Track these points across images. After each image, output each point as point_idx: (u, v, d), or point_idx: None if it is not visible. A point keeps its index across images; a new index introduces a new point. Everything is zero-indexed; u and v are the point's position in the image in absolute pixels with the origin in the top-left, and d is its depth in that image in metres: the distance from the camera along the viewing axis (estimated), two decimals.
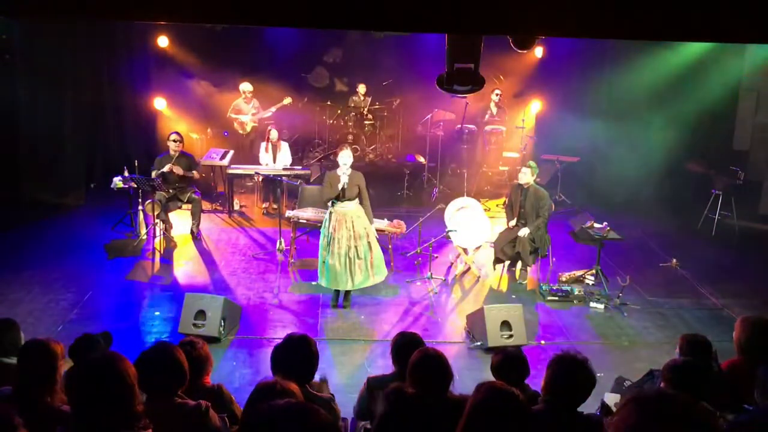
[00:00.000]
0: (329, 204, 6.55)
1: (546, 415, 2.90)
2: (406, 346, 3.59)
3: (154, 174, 8.18)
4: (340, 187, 6.36)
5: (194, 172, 8.39)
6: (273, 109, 10.31)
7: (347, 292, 6.78)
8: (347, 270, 6.50)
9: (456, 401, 3.02)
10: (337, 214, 6.49)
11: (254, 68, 10.96)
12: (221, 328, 5.96)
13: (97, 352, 3.57)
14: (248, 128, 10.35)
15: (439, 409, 2.98)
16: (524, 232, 7.32)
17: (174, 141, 8.24)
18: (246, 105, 10.30)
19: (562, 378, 2.92)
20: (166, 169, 8.14)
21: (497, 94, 10.87)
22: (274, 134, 9.43)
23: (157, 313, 6.54)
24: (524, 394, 3.36)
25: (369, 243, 6.59)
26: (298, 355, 3.29)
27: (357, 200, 6.56)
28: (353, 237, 6.48)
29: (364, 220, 6.62)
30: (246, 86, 10.25)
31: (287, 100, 10.24)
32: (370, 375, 3.87)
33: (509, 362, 3.59)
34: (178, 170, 8.17)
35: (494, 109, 10.93)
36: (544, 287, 7.25)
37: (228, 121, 10.51)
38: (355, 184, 6.45)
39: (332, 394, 3.62)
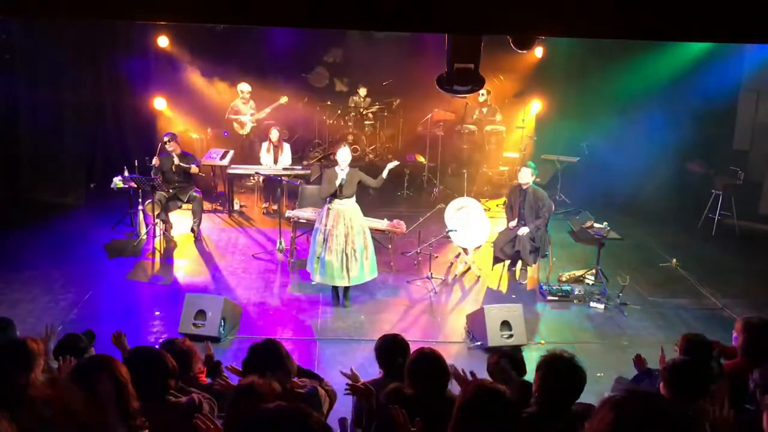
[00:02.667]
0: (327, 201, 6.58)
1: (540, 416, 2.89)
2: (389, 348, 3.62)
3: (155, 161, 8.16)
4: (337, 183, 6.38)
5: (192, 165, 8.36)
6: (267, 109, 10.30)
7: (346, 291, 6.79)
8: (344, 266, 6.52)
9: (454, 400, 3.02)
10: (335, 211, 6.53)
11: (254, 68, 10.96)
12: (221, 328, 5.97)
13: (82, 350, 3.59)
14: (247, 129, 10.35)
15: (438, 408, 2.99)
16: (524, 231, 7.32)
17: (167, 142, 8.19)
18: (244, 105, 10.30)
19: (552, 378, 2.92)
20: (174, 163, 8.15)
21: (482, 94, 10.82)
22: (274, 135, 9.43)
23: (157, 313, 6.54)
24: (525, 392, 3.37)
25: (365, 240, 6.62)
26: (268, 361, 3.28)
27: (354, 198, 6.58)
28: (351, 234, 6.51)
29: (361, 217, 6.69)
30: (244, 86, 10.25)
31: (283, 99, 10.23)
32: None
33: (507, 361, 3.59)
34: (178, 162, 8.19)
35: (484, 110, 10.89)
36: (544, 287, 7.25)
37: (228, 121, 10.50)
38: (353, 181, 6.48)
39: (318, 380, 3.61)
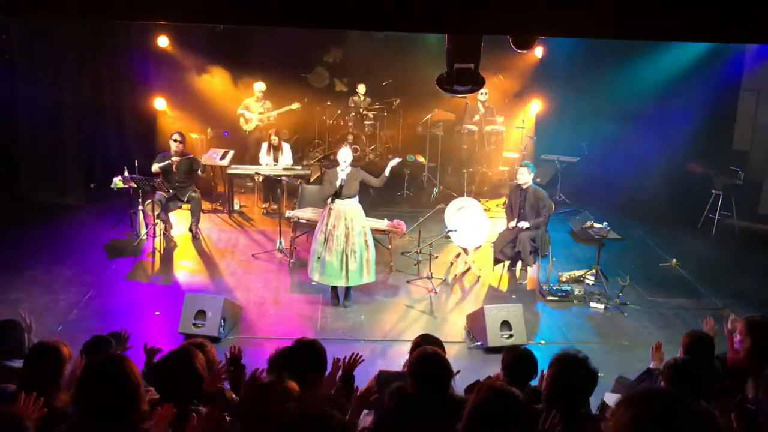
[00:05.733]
0: (328, 201, 6.58)
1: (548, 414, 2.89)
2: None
3: (154, 167, 8.18)
4: (337, 184, 6.39)
5: (199, 171, 8.44)
6: (274, 112, 10.30)
7: (347, 291, 6.79)
8: (343, 266, 6.53)
9: (457, 400, 3.03)
10: (336, 211, 6.53)
11: (254, 68, 10.95)
12: (221, 328, 5.97)
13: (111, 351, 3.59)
14: (252, 125, 10.37)
15: (440, 408, 2.99)
16: (523, 224, 7.33)
17: (175, 141, 8.25)
18: (256, 104, 10.33)
19: (563, 378, 2.92)
20: (172, 160, 8.17)
21: (483, 94, 10.81)
22: (275, 140, 9.42)
23: (157, 313, 6.54)
24: (527, 394, 3.37)
25: (365, 241, 6.63)
26: (306, 360, 3.27)
27: (356, 198, 6.59)
28: (351, 234, 6.51)
29: (363, 218, 6.68)
30: (260, 86, 10.30)
31: (295, 105, 10.29)
32: (382, 369, 3.87)
33: (520, 361, 3.59)
34: (176, 160, 8.21)
35: (482, 109, 10.88)
36: (544, 287, 7.25)
37: (228, 120, 10.52)
38: (354, 181, 6.49)
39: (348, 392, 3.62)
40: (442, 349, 3.60)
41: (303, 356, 3.30)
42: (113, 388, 2.40)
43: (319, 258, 6.57)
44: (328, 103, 11.72)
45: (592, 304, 7.02)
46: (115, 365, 2.48)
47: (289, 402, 2.54)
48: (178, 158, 8.20)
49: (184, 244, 8.30)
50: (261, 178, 9.63)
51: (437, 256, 7.92)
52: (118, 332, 4.01)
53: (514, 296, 7.22)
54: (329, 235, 6.52)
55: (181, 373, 2.89)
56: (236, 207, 9.67)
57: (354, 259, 6.55)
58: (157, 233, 8.02)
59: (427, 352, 3.22)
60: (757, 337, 3.76)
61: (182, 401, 2.87)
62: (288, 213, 7.99)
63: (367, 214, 7.11)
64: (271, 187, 9.56)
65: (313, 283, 6.94)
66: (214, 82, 10.93)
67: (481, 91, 10.72)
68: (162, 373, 2.87)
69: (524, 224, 7.34)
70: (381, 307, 6.85)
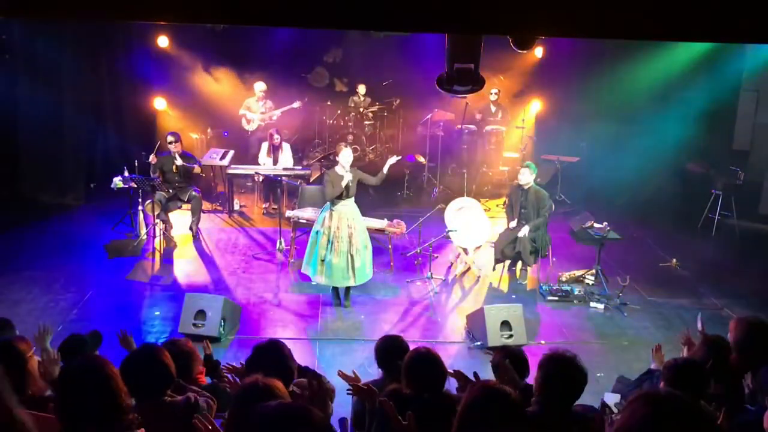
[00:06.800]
0: (329, 202, 6.57)
1: (541, 415, 2.89)
2: (389, 349, 3.61)
3: (152, 158, 8.21)
4: (343, 185, 6.38)
5: (195, 165, 8.43)
6: (278, 112, 10.32)
7: (347, 291, 6.79)
8: (349, 267, 6.53)
9: (454, 400, 3.03)
10: (338, 213, 6.52)
11: (254, 68, 10.96)
12: (221, 328, 5.97)
13: (86, 352, 3.60)
14: (254, 126, 10.39)
15: (436, 408, 2.99)
16: (524, 230, 7.32)
17: (171, 143, 8.25)
18: (257, 104, 10.34)
19: (554, 377, 2.91)
20: (150, 159, 8.20)
21: (495, 93, 10.85)
22: (276, 137, 9.43)
23: (157, 313, 6.54)
24: (525, 393, 3.37)
25: (366, 239, 6.68)
26: (271, 362, 3.26)
27: (353, 198, 6.60)
28: (354, 234, 6.53)
29: (361, 216, 6.73)
30: (260, 86, 10.31)
31: (296, 104, 10.29)
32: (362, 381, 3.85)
33: (510, 360, 3.59)
34: (181, 163, 8.23)
35: (492, 108, 10.91)
36: (544, 287, 7.25)
37: (228, 120, 10.51)
38: (355, 181, 6.49)
39: (317, 379, 3.62)
40: (407, 347, 3.60)
41: (270, 357, 3.29)
42: (93, 390, 2.41)
43: (323, 261, 6.56)
44: (328, 103, 11.72)
45: (592, 304, 7.01)
46: (89, 368, 2.48)
47: (274, 399, 2.54)
48: (154, 156, 8.22)
49: (184, 244, 8.30)
50: (261, 178, 9.64)
51: (437, 256, 7.92)
52: (98, 331, 4.02)
53: (514, 296, 7.22)
54: (333, 237, 6.51)
55: (146, 369, 2.91)
56: (236, 207, 9.67)
57: (359, 257, 6.57)
58: (157, 233, 8.01)
59: (421, 353, 3.22)
60: (748, 337, 3.76)
61: (152, 397, 2.89)
62: (288, 213, 7.99)
63: (367, 214, 7.12)
64: (271, 187, 9.56)
65: (313, 283, 6.94)
66: (214, 81, 10.93)
67: (492, 90, 10.77)
68: (128, 370, 2.88)
69: (525, 229, 7.31)
70: (381, 307, 6.85)
